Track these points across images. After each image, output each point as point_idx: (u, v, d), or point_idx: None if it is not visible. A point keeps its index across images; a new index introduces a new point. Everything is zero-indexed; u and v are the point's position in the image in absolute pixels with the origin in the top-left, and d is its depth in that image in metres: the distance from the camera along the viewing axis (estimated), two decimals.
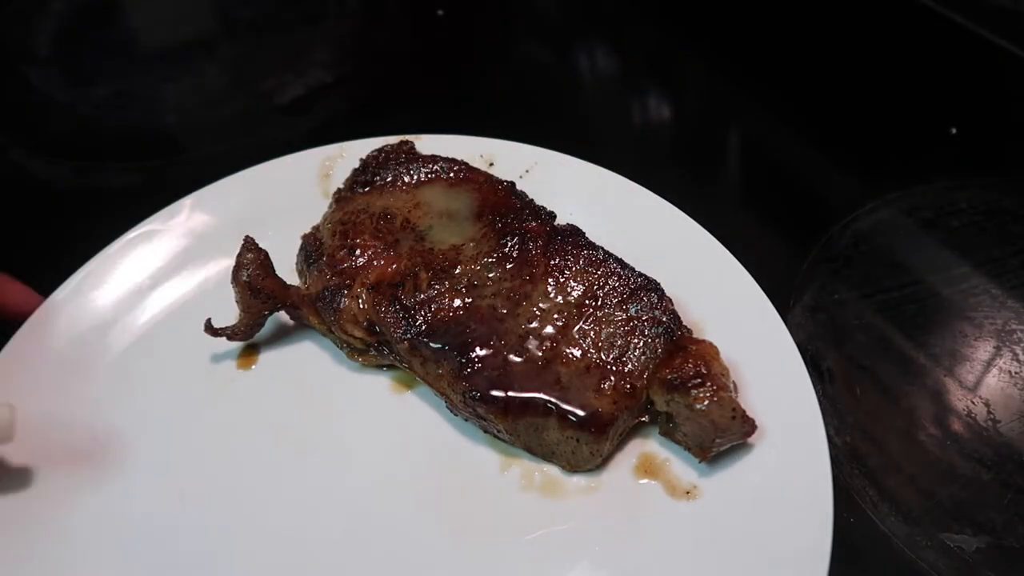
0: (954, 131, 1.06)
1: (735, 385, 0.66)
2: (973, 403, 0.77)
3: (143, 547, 0.65)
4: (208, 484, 0.68)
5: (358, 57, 1.26)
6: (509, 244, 0.74)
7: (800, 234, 0.94)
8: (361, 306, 0.72)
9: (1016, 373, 0.80)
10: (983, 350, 0.82)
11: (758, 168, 1.08)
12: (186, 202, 0.87)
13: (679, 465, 0.66)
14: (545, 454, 0.68)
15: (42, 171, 1.09)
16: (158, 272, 0.83)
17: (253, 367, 0.77)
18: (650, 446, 0.68)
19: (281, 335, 0.80)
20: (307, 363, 0.77)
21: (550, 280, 0.72)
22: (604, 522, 0.64)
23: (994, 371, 0.80)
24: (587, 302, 0.70)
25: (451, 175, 0.83)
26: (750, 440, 0.64)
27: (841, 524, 0.70)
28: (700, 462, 0.65)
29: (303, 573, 0.63)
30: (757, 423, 0.63)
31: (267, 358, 0.78)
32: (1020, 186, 0.98)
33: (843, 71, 1.15)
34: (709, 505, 0.63)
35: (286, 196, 0.88)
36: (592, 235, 0.75)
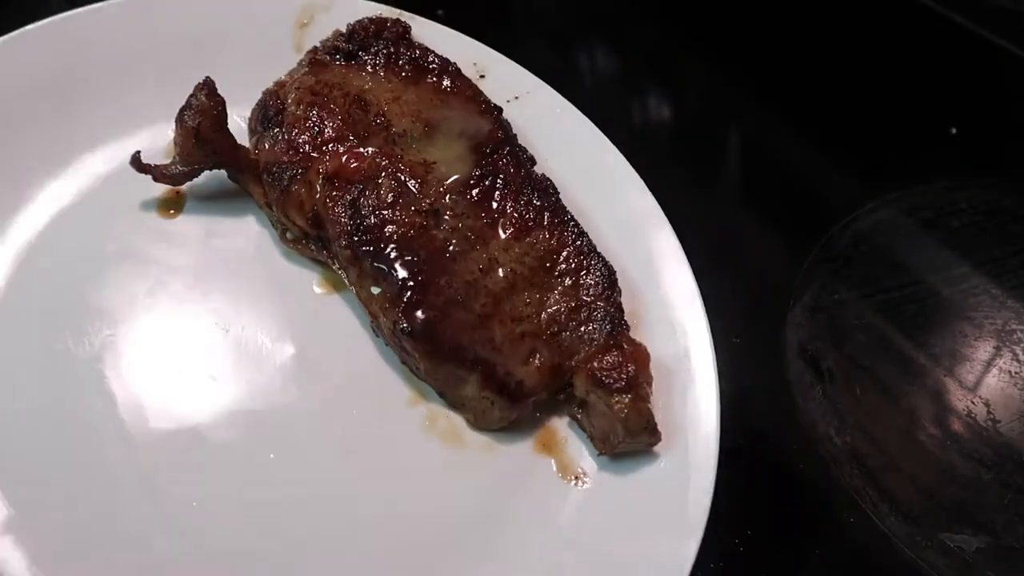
0: (954, 131, 1.06)
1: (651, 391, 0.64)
2: (973, 403, 0.77)
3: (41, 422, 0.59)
4: (77, 339, 0.63)
5: None
6: (481, 179, 0.69)
7: (800, 234, 0.94)
8: (313, 193, 0.67)
9: (1016, 373, 0.80)
10: (983, 350, 0.82)
11: (758, 168, 1.08)
12: (138, 5, 0.76)
13: (576, 448, 0.65)
14: (455, 404, 0.66)
15: None
16: (87, 87, 0.73)
17: (174, 217, 0.71)
18: (554, 421, 0.66)
19: (213, 190, 0.73)
20: (232, 232, 0.71)
21: (512, 231, 0.68)
22: (490, 483, 0.63)
23: (994, 371, 0.80)
24: (543, 265, 0.67)
25: (440, 78, 0.76)
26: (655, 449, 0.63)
27: (841, 524, 0.71)
28: (599, 455, 0.64)
29: (184, 469, 0.60)
30: (661, 436, 0.62)
31: (191, 211, 0.71)
32: (1020, 186, 0.99)
33: (843, 71, 1.15)
34: (593, 496, 0.62)
35: (252, 31, 0.78)
36: (562, 187, 0.72)
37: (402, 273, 0.64)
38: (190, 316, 0.67)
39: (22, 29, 0.74)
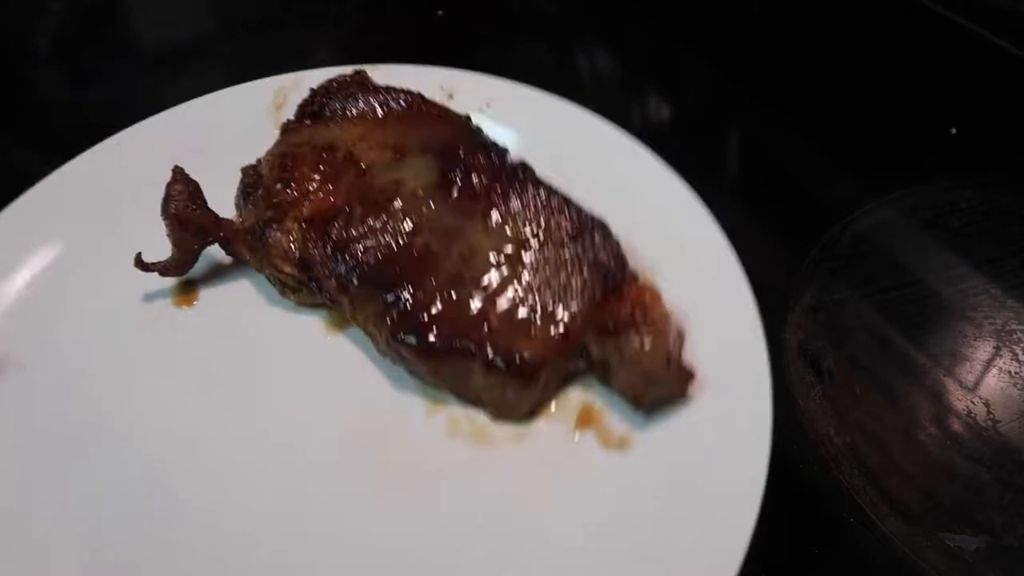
0: (954, 131, 1.06)
1: (681, 334, 0.61)
2: (973, 403, 0.77)
3: (70, 493, 0.62)
4: (116, 417, 0.66)
5: (358, 57, 1.26)
6: (450, 178, 0.71)
7: (799, 234, 0.94)
8: (292, 242, 0.69)
9: (1016, 373, 0.80)
10: (983, 350, 0.82)
11: (757, 167, 1.08)
12: (133, 132, 0.83)
13: (616, 415, 0.64)
14: (472, 400, 0.66)
15: (42, 171, 1.09)
16: (97, 207, 0.80)
17: (195, 304, 0.75)
18: (589, 395, 0.66)
19: (222, 273, 0.77)
20: (244, 302, 0.75)
21: (490, 218, 0.68)
22: (531, 471, 0.62)
23: (994, 371, 0.80)
24: (527, 241, 0.67)
25: (404, 107, 0.79)
26: (692, 391, 0.61)
27: (841, 524, 0.71)
28: (637, 412, 0.62)
29: (229, 516, 0.61)
30: (700, 374, 0.59)
31: (204, 296, 0.75)
32: (1020, 186, 0.98)
33: (843, 71, 1.15)
34: (640, 457, 0.61)
35: (237, 127, 0.83)
36: (553, 172, 0.72)
37: (386, 287, 0.65)
38: (222, 391, 0.69)
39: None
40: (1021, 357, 0.81)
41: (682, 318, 0.62)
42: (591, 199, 0.71)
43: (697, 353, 0.62)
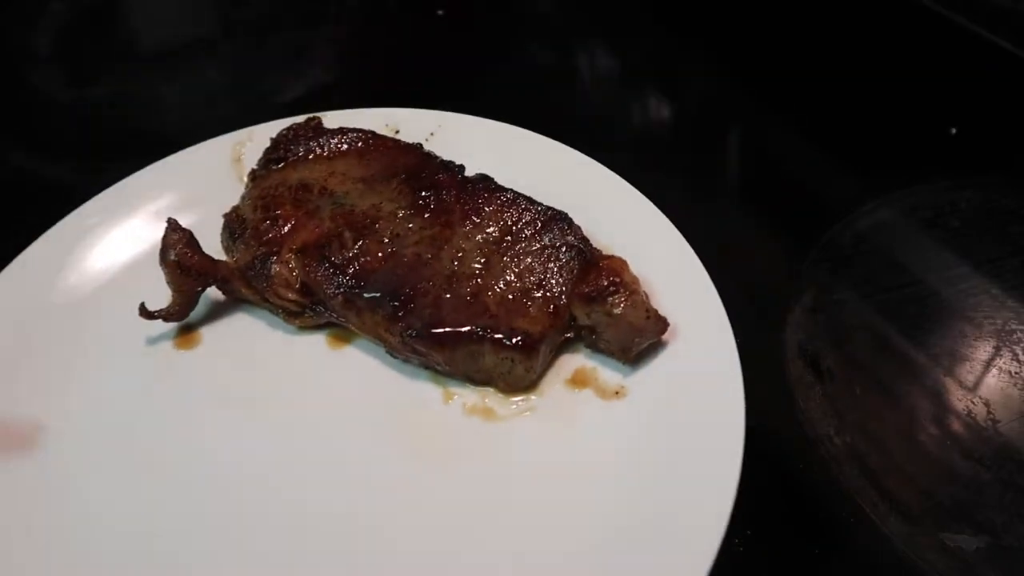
0: (954, 131, 1.06)
1: (646, 293, 0.71)
2: (973, 403, 0.77)
3: (100, 531, 0.65)
4: (159, 461, 0.69)
5: (358, 57, 1.26)
6: (424, 196, 0.79)
7: (800, 234, 0.94)
8: (291, 270, 0.76)
9: (1016, 373, 0.80)
10: (983, 350, 0.82)
11: (758, 168, 1.08)
12: (101, 198, 0.88)
13: (606, 372, 0.73)
14: (483, 380, 0.73)
15: (42, 171, 1.09)
16: (84, 267, 0.84)
17: (196, 347, 0.78)
18: (578, 360, 0.75)
19: (217, 312, 0.81)
20: (246, 335, 0.79)
21: (467, 223, 0.77)
22: (545, 432, 0.70)
23: (994, 371, 0.80)
24: (504, 238, 0.76)
25: (360, 144, 0.87)
26: (665, 337, 0.71)
27: (841, 524, 0.71)
28: (624, 364, 0.72)
29: (268, 536, 0.64)
30: (669, 322, 0.70)
31: (207, 336, 0.79)
32: (1020, 186, 0.98)
33: (843, 71, 1.15)
34: (636, 399, 0.70)
35: (201, 183, 0.90)
36: (501, 183, 0.80)
37: (391, 292, 0.73)
38: (242, 420, 0.72)
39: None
40: (1021, 357, 0.81)
41: (643, 281, 0.73)
42: (543, 200, 0.79)
43: (660, 306, 0.71)
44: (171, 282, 0.76)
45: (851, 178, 1.04)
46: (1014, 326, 0.84)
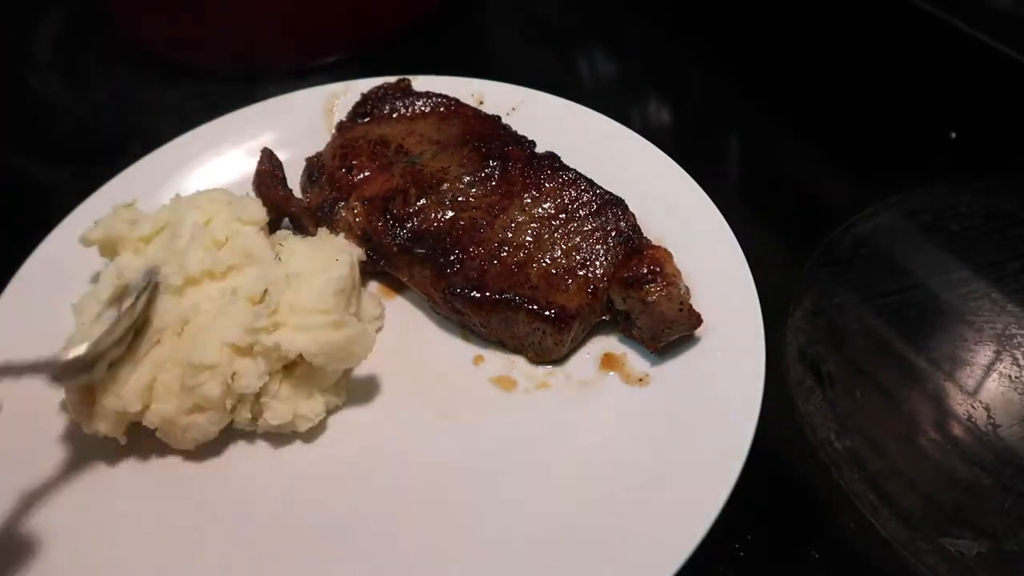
0: (954, 135, 1.06)
1: (687, 288, 0.72)
2: (973, 407, 0.77)
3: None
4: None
5: (358, 57, 1.26)
6: (491, 165, 0.82)
7: (800, 237, 0.94)
8: (356, 216, 0.81)
9: (1016, 377, 0.80)
10: (983, 354, 0.82)
11: (758, 172, 1.08)
12: (202, 131, 0.97)
13: (635, 358, 0.75)
14: (515, 347, 0.77)
15: (42, 175, 1.09)
16: (186, 186, 0.90)
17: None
18: (611, 343, 0.77)
19: None
20: None
21: (526, 196, 0.80)
22: (569, 405, 0.73)
23: (994, 375, 0.80)
24: (559, 215, 0.79)
25: (443, 109, 0.92)
26: (698, 333, 0.73)
27: (841, 528, 0.71)
28: (652, 353, 0.74)
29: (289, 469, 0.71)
30: (704, 319, 0.71)
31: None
32: (1020, 190, 0.98)
33: (844, 75, 1.15)
34: (658, 389, 0.72)
35: (294, 127, 0.97)
36: (569, 163, 0.83)
37: (442, 251, 0.77)
38: None
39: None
40: (1021, 361, 0.81)
41: (687, 276, 0.74)
42: (607, 186, 0.81)
43: (701, 303, 0.72)
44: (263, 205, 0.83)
45: (851, 182, 1.04)
46: (1014, 330, 0.83)
